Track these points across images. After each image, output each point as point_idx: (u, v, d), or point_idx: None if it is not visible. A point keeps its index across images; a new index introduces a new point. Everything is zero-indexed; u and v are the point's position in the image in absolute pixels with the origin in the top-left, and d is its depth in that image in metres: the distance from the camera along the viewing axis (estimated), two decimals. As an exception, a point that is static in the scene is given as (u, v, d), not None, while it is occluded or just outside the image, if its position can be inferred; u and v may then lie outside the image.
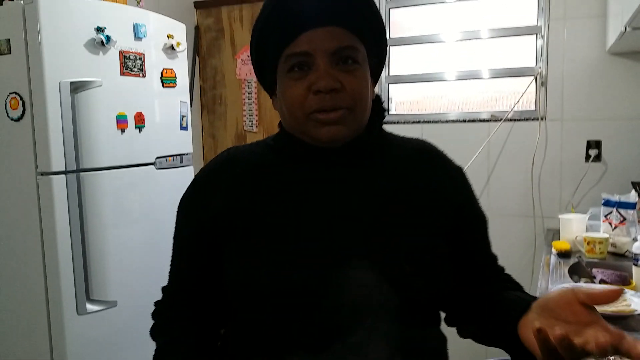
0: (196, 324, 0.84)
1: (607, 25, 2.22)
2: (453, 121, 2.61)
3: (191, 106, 2.46)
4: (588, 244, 1.92)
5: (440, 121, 2.64)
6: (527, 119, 2.46)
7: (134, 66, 2.05)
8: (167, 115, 2.27)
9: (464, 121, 2.59)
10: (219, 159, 0.84)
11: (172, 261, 0.86)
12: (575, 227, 2.04)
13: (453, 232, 0.82)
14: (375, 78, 0.83)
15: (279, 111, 0.82)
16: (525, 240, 2.49)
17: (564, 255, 1.96)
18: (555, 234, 2.30)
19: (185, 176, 2.40)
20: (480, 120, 2.55)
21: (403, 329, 0.72)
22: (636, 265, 1.63)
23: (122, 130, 2.01)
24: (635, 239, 1.84)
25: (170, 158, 2.27)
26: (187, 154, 2.40)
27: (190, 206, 0.84)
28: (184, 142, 2.40)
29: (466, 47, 2.63)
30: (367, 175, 0.80)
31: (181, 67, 2.34)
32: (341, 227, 0.75)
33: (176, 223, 0.86)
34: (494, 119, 2.51)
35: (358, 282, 0.71)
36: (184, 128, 2.38)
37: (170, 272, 0.87)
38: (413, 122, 2.68)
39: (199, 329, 0.84)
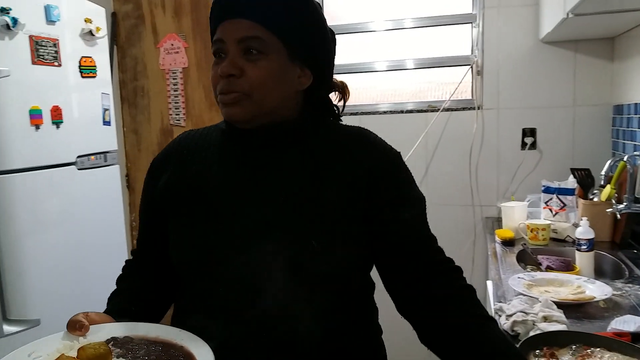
0: (153, 279, 0.95)
1: (540, 14, 2.26)
2: (391, 112, 2.58)
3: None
4: (531, 231, 1.96)
5: (377, 112, 2.59)
6: (464, 108, 2.47)
7: (48, 54, 1.81)
8: (88, 109, 2.04)
9: (402, 112, 2.56)
10: (174, 141, 0.97)
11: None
12: (517, 214, 2.08)
13: (378, 212, 0.85)
14: (318, 68, 0.89)
15: None
16: (464, 229, 2.52)
17: (508, 243, 1.99)
18: (495, 222, 2.34)
19: (110, 176, 2.17)
20: (418, 111, 2.53)
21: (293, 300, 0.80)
22: (579, 250, 1.67)
23: (37, 127, 1.77)
24: (575, 225, 1.90)
25: (93, 157, 2.04)
26: (111, 151, 2.17)
27: (146, 182, 0.96)
28: (108, 139, 2.17)
29: (401, 36, 2.60)
30: (293, 157, 0.86)
31: (102, 55, 2.11)
32: (256, 205, 0.83)
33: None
34: (432, 108, 2.51)
35: (259, 260, 0.80)
36: (107, 123, 2.15)
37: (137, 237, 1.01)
38: (351, 114, 2.61)
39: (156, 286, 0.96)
